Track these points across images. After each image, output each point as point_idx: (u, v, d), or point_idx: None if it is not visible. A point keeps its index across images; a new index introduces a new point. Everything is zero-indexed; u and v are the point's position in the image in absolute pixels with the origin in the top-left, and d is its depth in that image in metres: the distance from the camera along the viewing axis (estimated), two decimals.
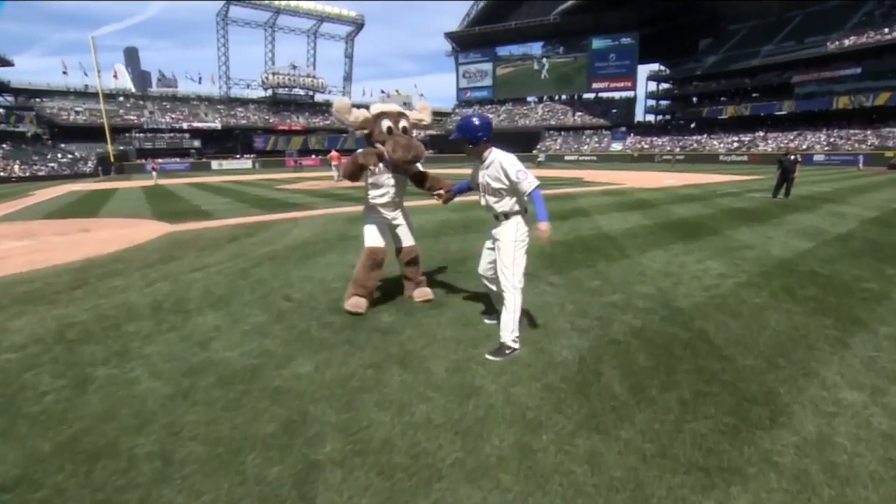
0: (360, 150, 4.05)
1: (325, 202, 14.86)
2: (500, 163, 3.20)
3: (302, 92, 74.32)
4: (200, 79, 77.65)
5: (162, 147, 59.97)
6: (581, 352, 3.27)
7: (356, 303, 4.11)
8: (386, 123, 3.94)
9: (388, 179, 4.11)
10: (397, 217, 4.34)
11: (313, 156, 63.24)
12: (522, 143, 56.01)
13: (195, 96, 70.62)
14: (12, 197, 22.04)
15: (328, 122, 72.33)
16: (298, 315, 4.19)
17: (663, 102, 69.34)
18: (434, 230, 8.82)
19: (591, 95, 72.71)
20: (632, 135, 64.83)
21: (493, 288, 3.58)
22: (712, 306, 4.25)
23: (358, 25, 76.56)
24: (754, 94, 56.86)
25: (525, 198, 3.23)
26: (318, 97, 76.16)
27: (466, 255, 6.61)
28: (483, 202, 3.41)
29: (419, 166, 4.28)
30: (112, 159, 50.55)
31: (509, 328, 3.23)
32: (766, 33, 57.46)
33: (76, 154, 52.76)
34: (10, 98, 55.98)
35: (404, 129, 4.01)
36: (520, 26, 71.83)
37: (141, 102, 66.19)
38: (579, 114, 71.77)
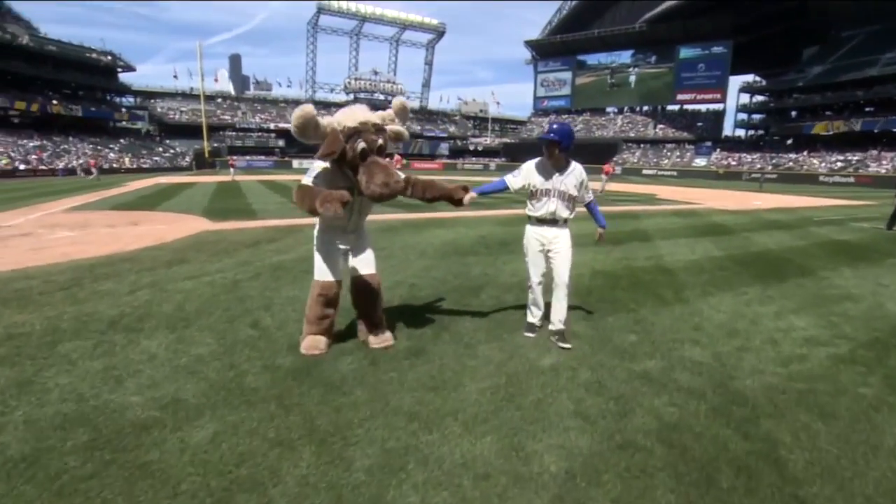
0: (317, 190, 2.97)
1: None
2: (581, 173, 3.65)
3: (382, 97, 76.16)
4: (290, 83, 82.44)
5: (250, 145, 64.80)
6: (574, 460, 2.24)
7: (310, 344, 3.38)
8: (360, 145, 2.99)
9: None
10: (355, 241, 3.56)
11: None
12: (599, 154, 52.55)
13: (283, 99, 75.21)
14: (108, 187, 23.88)
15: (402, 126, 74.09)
16: (251, 349, 3.50)
17: (756, 116, 63.31)
18: (465, 248, 7.91)
19: (675, 107, 68.19)
20: (718, 150, 59.72)
21: (540, 298, 3.89)
22: (792, 394, 2.98)
23: (439, 33, 77.65)
24: (867, 108, 50.37)
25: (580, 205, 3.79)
26: None
27: (486, 281, 5.66)
28: (553, 207, 3.61)
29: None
30: (207, 155, 54.71)
31: (565, 317, 3.70)
32: (887, 39, 50.53)
33: (177, 149, 58.19)
34: (132, 99, 63.71)
35: (380, 149, 3.09)
36: (603, 35, 68.90)
37: (235, 104, 71.58)
38: (661, 126, 67.53)
